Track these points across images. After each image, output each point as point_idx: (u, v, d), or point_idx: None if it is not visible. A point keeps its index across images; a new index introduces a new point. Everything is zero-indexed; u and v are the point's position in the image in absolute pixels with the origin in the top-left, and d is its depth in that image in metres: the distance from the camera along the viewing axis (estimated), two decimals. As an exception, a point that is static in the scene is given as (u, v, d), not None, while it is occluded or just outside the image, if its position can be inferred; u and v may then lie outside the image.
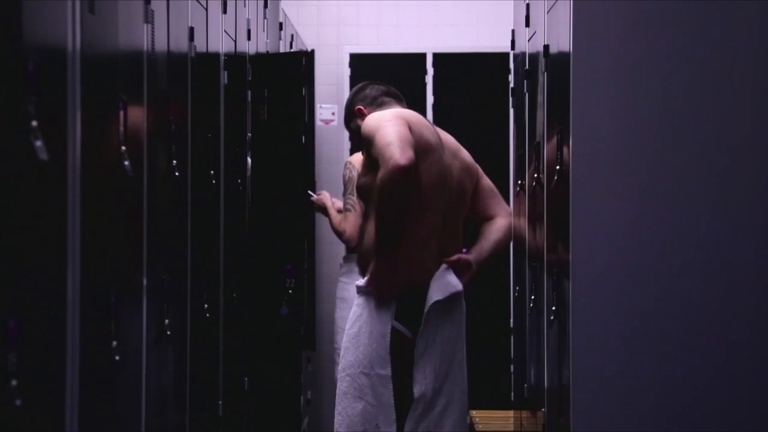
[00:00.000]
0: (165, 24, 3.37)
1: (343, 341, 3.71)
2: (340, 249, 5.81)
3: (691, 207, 3.37)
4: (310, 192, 5.66)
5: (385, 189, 3.51)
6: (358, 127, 3.95)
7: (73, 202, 2.36)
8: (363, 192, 3.83)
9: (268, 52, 5.71)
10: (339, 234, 5.41)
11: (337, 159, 7.11)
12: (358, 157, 5.47)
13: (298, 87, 5.58)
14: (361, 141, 3.86)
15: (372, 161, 3.70)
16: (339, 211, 5.46)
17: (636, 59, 3.39)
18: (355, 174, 5.39)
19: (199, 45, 3.93)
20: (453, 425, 3.65)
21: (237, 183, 4.90)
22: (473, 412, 5.79)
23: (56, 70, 2.31)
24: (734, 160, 3.36)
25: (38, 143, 2.11)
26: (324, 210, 5.57)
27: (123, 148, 2.79)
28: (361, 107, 4.12)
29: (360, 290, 3.71)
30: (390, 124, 3.66)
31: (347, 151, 7.03)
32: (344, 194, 5.40)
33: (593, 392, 3.37)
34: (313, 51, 6.63)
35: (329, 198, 5.59)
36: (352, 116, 4.16)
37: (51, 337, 2.28)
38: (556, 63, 3.84)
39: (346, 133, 7.03)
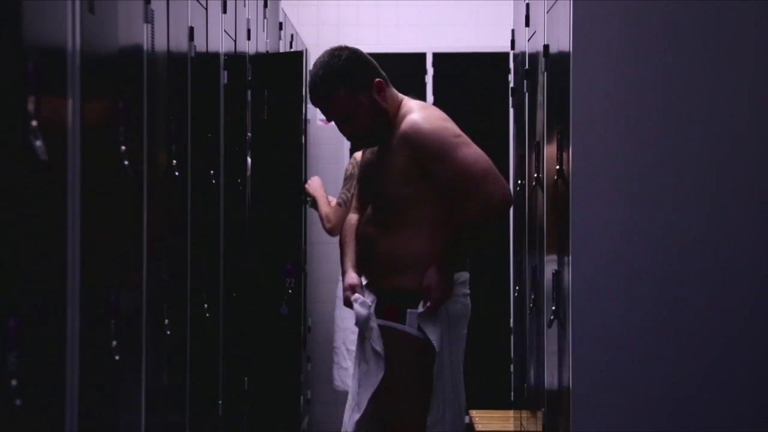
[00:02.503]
0: (165, 24, 3.37)
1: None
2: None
3: (691, 207, 3.37)
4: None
5: (490, 219, 3.39)
6: (373, 102, 3.49)
7: (73, 202, 2.36)
8: (404, 201, 3.47)
9: (267, 52, 5.71)
10: (324, 221, 5.41)
11: (336, 159, 7.11)
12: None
13: (298, 87, 5.58)
14: (377, 135, 3.52)
15: (419, 172, 3.43)
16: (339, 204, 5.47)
17: (636, 59, 3.39)
18: (356, 172, 5.37)
19: (199, 45, 3.93)
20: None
21: (237, 183, 4.90)
22: (473, 412, 5.79)
23: (56, 70, 2.31)
24: (734, 160, 3.36)
25: (38, 143, 2.11)
26: (314, 198, 5.55)
27: (123, 148, 2.79)
28: (382, 82, 3.53)
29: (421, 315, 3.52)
30: (465, 141, 3.42)
31: (347, 151, 7.03)
32: (343, 188, 5.42)
33: (593, 392, 3.37)
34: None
35: (321, 185, 5.53)
36: (366, 88, 3.50)
37: (51, 337, 2.28)
38: (556, 63, 3.84)
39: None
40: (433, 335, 3.48)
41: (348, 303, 3.62)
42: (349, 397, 3.65)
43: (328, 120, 3.60)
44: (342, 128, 3.55)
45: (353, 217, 3.76)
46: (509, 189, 3.44)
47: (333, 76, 3.48)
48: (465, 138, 3.46)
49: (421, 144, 3.43)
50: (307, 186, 5.57)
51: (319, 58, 3.55)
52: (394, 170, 3.49)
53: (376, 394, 3.54)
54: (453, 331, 3.55)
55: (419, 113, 3.51)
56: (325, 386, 6.11)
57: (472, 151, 3.43)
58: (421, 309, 3.48)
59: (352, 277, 3.63)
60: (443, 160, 3.41)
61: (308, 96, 3.55)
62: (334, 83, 3.48)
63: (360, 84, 3.50)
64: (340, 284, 5.61)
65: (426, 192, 3.48)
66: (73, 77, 2.38)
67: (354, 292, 3.58)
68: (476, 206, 3.39)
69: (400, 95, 3.62)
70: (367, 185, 3.67)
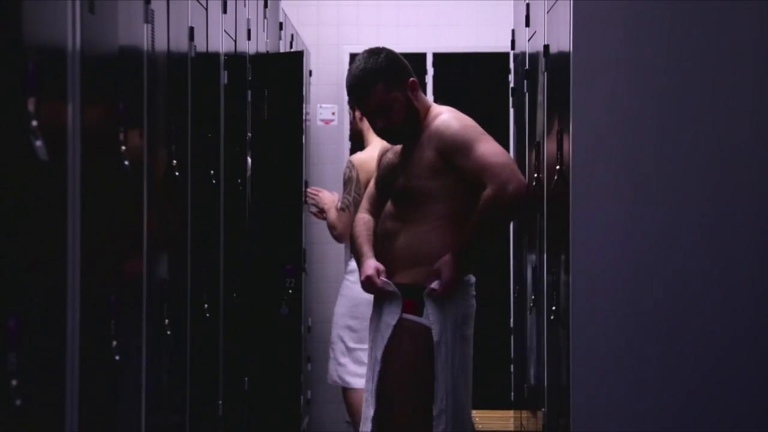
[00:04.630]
0: (165, 24, 3.37)
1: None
2: (339, 250, 5.80)
3: (691, 206, 3.37)
4: (307, 189, 5.64)
5: (503, 209, 3.54)
6: (407, 99, 3.68)
7: (73, 202, 2.36)
8: (427, 195, 3.62)
9: (268, 52, 5.70)
10: (331, 228, 5.35)
11: (337, 159, 7.10)
12: (360, 157, 5.46)
13: (298, 87, 5.58)
14: (400, 128, 3.68)
15: (444, 166, 3.60)
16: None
17: (636, 59, 3.39)
18: (355, 174, 5.34)
19: (199, 45, 3.93)
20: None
21: (237, 183, 4.90)
22: (473, 412, 5.78)
23: (56, 70, 2.31)
24: (734, 160, 3.36)
25: (38, 143, 2.11)
26: (320, 208, 5.46)
27: (123, 148, 2.79)
28: (416, 81, 3.75)
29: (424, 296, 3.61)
30: (489, 138, 3.61)
31: (347, 151, 7.02)
32: (344, 192, 5.37)
33: (593, 392, 3.37)
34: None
35: (331, 198, 5.45)
36: (401, 85, 3.71)
37: (51, 337, 2.28)
38: (556, 63, 3.84)
39: (347, 132, 7.03)
40: (435, 325, 3.58)
41: (369, 289, 3.67)
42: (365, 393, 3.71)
43: (363, 114, 3.78)
44: (376, 122, 3.72)
45: (363, 216, 3.88)
46: (525, 183, 3.55)
47: (373, 71, 3.69)
48: (489, 136, 3.64)
49: (449, 137, 3.61)
50: (320, 198, 5.51)
51: (359, 57, 3.74)
52: (421, 164, 3.64)
53: (383, 382, 3.60)
54: (459, 329, 3.62)
55: (450, 114, 3.71)
56: (325, 386, 6.10)
57: (493, 146, 3.60)
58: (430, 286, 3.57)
59: (371, 264, 3.68)
60: (466, 151, 3.58)
61: (347, 92, 3.81)
62: (373, 78, 3.68)
63: (396, 81, 3.71)
64: (345, 282, 5.59)
65: (449, 187, 3.62)
66: (73, 77, 2.38)
67: (379, 274, 3.64)
68: (489, 195, 3.52)
69: (430, 101, 3.82)
70: (389, 183, 3.76)
